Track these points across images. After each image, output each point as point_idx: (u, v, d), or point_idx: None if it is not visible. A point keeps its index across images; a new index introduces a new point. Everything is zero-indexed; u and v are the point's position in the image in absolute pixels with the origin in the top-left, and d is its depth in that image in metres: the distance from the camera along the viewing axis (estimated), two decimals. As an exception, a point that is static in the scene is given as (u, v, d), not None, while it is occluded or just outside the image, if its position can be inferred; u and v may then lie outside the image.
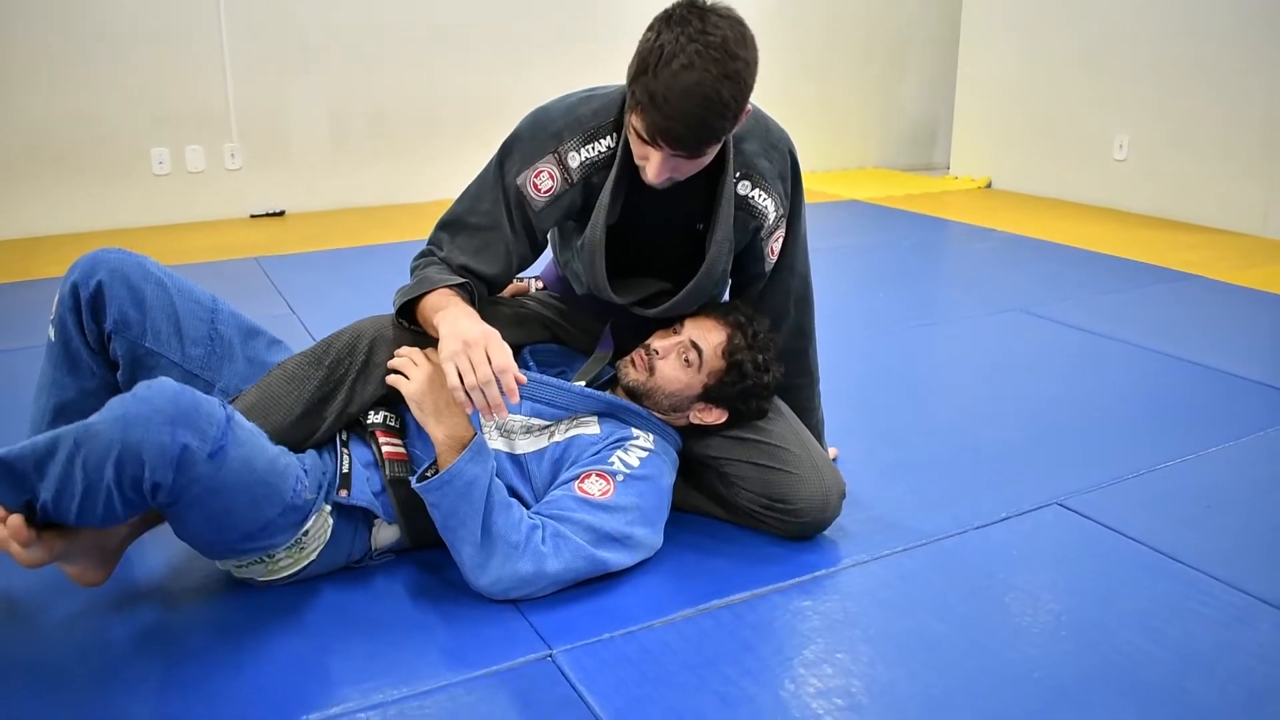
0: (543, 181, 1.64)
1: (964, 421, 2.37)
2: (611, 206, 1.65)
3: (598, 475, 1.62)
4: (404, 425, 1.70)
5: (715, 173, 1.65)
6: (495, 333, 1.50)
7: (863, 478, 1.99)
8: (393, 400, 1.72)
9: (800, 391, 1.91)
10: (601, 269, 1.69)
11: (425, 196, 5.24)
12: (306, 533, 1.54)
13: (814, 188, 5.72)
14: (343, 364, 1.67)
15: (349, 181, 5.15)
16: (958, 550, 1.76)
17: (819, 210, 5.21)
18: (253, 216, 4.98)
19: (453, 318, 1.53)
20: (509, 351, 1.49)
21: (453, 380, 1.46)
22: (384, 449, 1.64)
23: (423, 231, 4.71)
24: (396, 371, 1.62)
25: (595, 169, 1.64)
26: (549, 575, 1.54)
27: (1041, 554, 1.76)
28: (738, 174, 1.66)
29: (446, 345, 1.48)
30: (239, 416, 1.41)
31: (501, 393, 1.47)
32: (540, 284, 2.02)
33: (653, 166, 1.48)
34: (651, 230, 1.72)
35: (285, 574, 1.57)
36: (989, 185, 5.88)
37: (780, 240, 1.75)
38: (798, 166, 1.71)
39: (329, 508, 1.58)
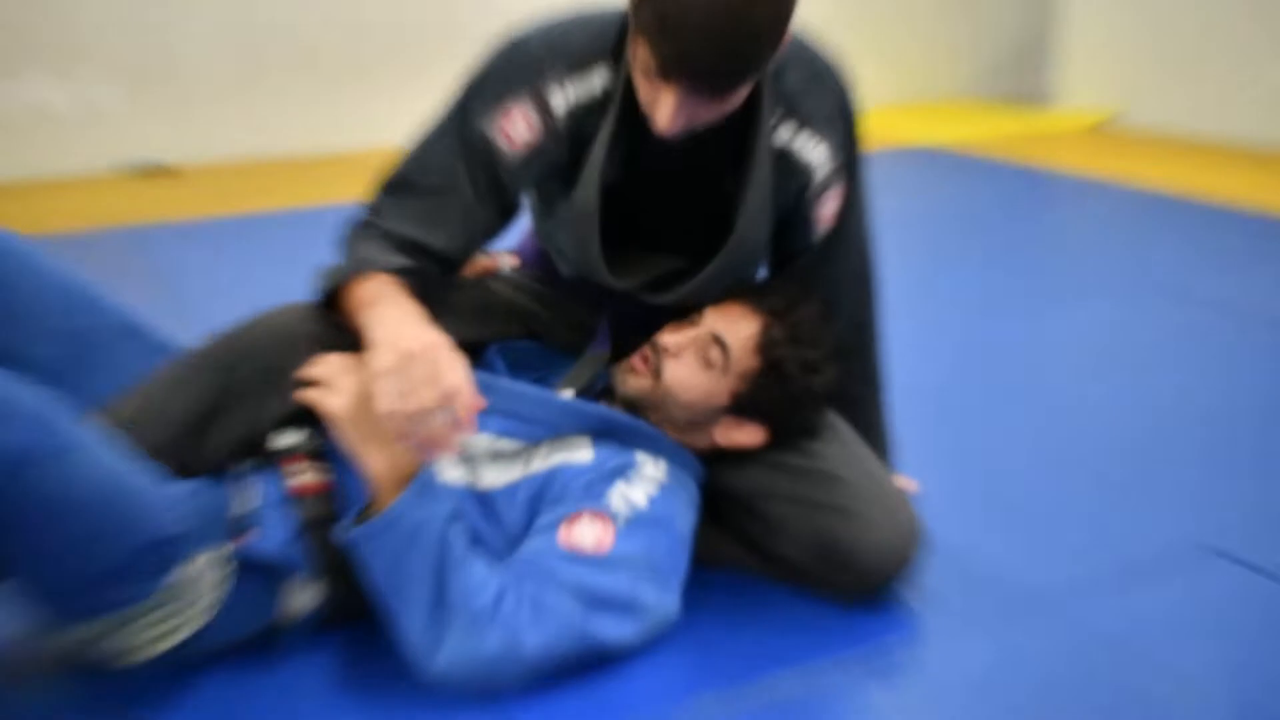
0: (516, 128, 1.65)
1: (1081, 440, 2.35)
2: (608, 162, 1.65)
3: (591, 517, 1.60)
4: (327, 450, 1.69)
5: (747, 115, 1.64)
6: (444, 342, 1.48)
7: (947, 517, 1.97)
8: (314, 417, 1.71)
9: (859, 405, 1.89)
10: (595, 244, 1.69)
11: (361, 143, 5.23)
12: (178, 586, 1.51)
13: (871, 128, 5.68)
14: (242, 368, 1.66)
15: (260, 126, 5.16)
16: (1079, 615, 1.74)
17: (876, 159, 5.17)
18: (133, 172, 4.97)
19: (389, 319, 1.51)
20: (463, 367, 1.47)
21: (385, 406, 1.44)
22: (295, 476, 1.63)
23: (360, 190, 4.68)
24: (317, 383, 1.59)
25: (587, 113, 1.64)
26: (525, 657, 1.51)
27: (1196, 620, 1.73)
28: (776, 115, 1.67)
29: (379, 358, 1.46)
30: (90, 424, 1.42)
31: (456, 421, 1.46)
32: (514, 261, 2.02)
33: (664, 111, 1.48)
34: (662, 192, 1.72)
35: (156, 649, 1.54)
36: (1111, 122, 5.88)
37: (834, 201, 1.75)
38: (856, 107, 1.72)
39: (221, 551, 1.57)
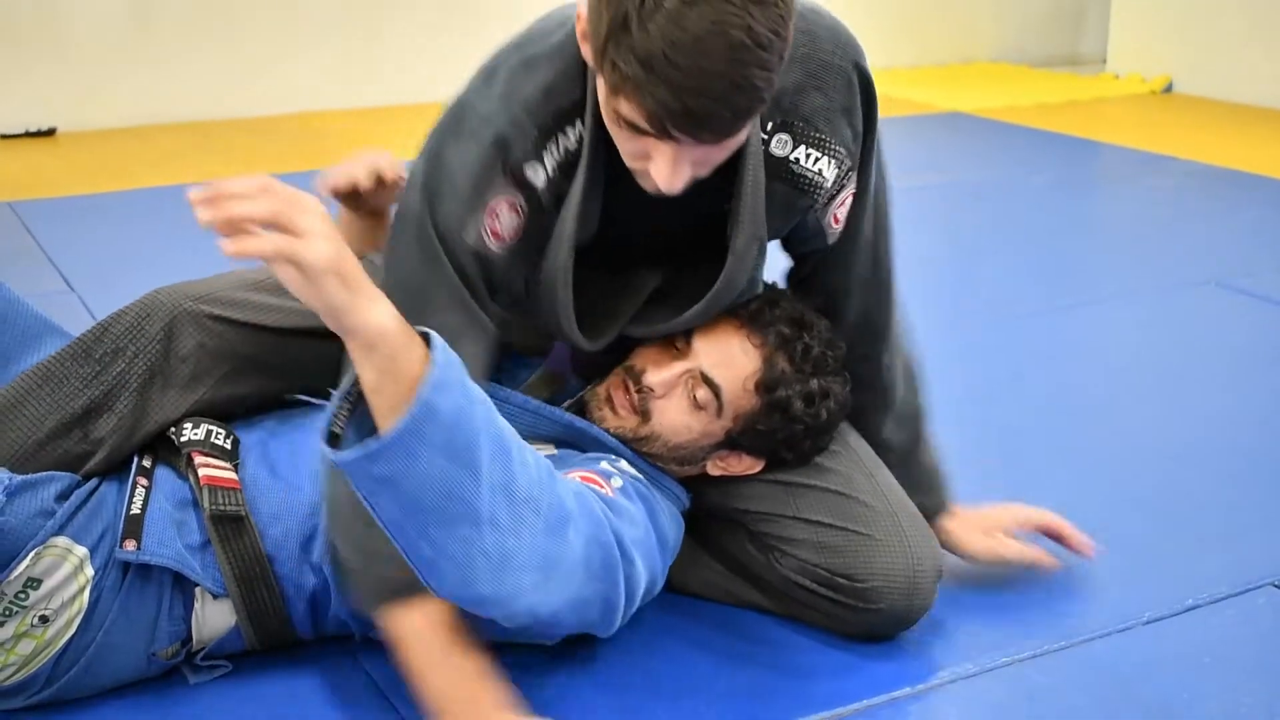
0: (503, 221, 1.59)
1: (1124, 456, 2.39)
2: (582, 224, 1.62)
3: (584, 475, 1.63)
4: (237, 445, 1.73)
5: None
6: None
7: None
8: (221, 410, 1.75)
9: (872, 420, 1.90)
10: (569, 314, 1.66)
11: (282, 105, 5.25)
12: (24, 595, 1.55)
13: (895, 93, 5.77)
14: (123, 356, 1.70)
15: (158, 84, 5.16)
16: (1117, 657, 1.77)
17: (901, 127, 5.24)
18: (6, 138, 4.98)
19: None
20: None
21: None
22: (201, 472, 1.66)
23: (281, 162, 4.78)
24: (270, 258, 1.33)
25: (563, 176, 1.59)
26: (570, 556, 1.46)
27: (1253, 661, 1.77)
28: (770, 126, 1.63)
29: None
30: None
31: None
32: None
33: (662, 169, 1.42)
34: (642, 234, 1.70)
35: (11, 669, 1.58)
36: (1168, 89, 5.95)
37: (844, 204, 1.72)
38: (870, 87, 1.66)
39: (81, 553, 1.59)
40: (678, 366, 1.75)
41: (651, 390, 1.75)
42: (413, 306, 1.46)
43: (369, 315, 1.32)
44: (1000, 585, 1.94)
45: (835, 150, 1.63)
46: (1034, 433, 2.51)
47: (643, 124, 1.38)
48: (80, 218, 3.94)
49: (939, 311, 3.13)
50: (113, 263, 3.46)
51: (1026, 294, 3.31)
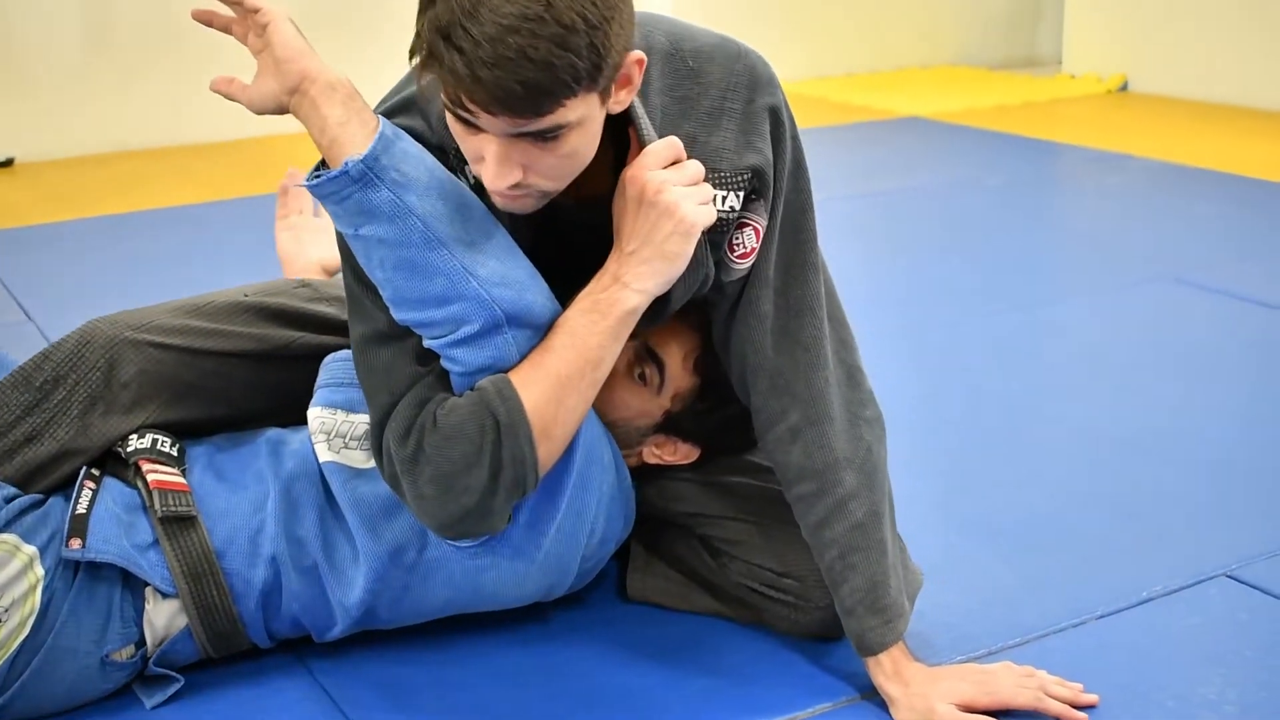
0: None
1: (1081, 453, 2.41)
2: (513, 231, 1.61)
3: None
4: (183, 453, 1.76)
5: (620, 154, 1.60)
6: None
7: (928, 542, 1.99)
8: (166, 423, 1.78)
9: (818, 514, 1.68)
10: None
11: (241, 129, 5.23)
12: None
13: (851, 99, 5.81)
14: (64, 384, 1.74)
15: (116, 111, 5.14)
16: (1076, 651, 1.78)
17: (857, 134, 5.27)
18: (-36, 169, 4.96)
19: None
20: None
21: None
22: (150, 477, 1.69)
23: (241, 186, 4.84)
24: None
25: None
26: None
27: (1207, 652, 1.78)
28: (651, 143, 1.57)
29: None
30: None
31: None
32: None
33: (488, 164, 1.41)
34: (580, 248, 1.65)
35: None
36: (1123, 88, 5.98)
37: (750, 236, 1.63)
38: (779, 120, 1.61)
39: (30, 550, 1.61)
40: None
41: None
42: (366, 318, 1.58)
43: (324, 65, 1.50)
44: (952, 585, 1.94)
45: (736, 180, 1.59)
46: (991, 430, 2.52)
47: (449, 102, 1.38)
48: (38, 247, 3.93)
49: (895, 313, 3.16)
50: (71, 292, 3.45)
51: (983, 295, 3.32)
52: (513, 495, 1.54)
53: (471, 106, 1.35)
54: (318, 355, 1.84)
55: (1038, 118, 5.43)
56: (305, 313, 1.90)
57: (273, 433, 1.82)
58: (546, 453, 1.54)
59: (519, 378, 1.52)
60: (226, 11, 1.55)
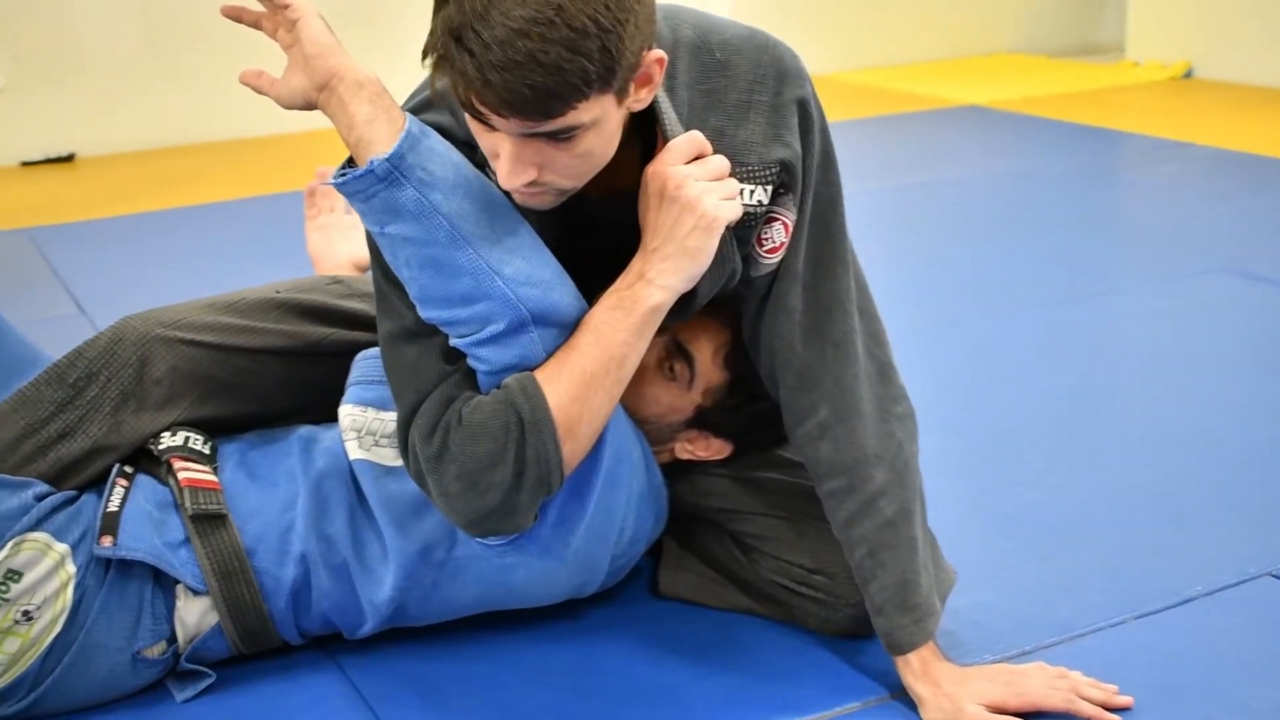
0: None
1: (1128, 449, 2.38)
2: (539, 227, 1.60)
3: None
4: (215, 450, 1.78)
5: (647, 147, 1.59)
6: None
7: (965, 539, 1.98)
8: (198, 420, 1.79)
9: (848, 511, 1.67)
10: None
11: (300, 123, 5.25)
12: (5, 588, 1.59)
13: (910, 88, 5.77)
14: (96, 380, 1.76)
15: (174, 106, 5.19)
16: (1112, 651, 1.75)
17: (914, 123, 5.23)
18: (25, 165, 5.03)
19: None
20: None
21: None
22: (181, 475, 1.71)
23: (298, 180, 4.78)
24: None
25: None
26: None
27: (1248, 655, 1.75)
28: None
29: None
30: None
31: None
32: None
33: (502, 162, 1.41)
34: (607, 245, 1.65)
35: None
36: (1187, 75, 5.89)
37: (779, 231, 1.63)
38: (808, 113, 1.60)
39: (62, 549, 1.63)
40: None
41: None
42: (395, 312, 1.58)
43: (353, 62, 1.49)
44: (987, 583, 1.92)
45: (764, 174, 1.58)
46: (1035, 425, 2.49)
47: (464, 101, 1.37)
48: (95, 241, 3.97)
49: (941, 306, 3.14)
50: (124, 285, 3.48)
51: (1033, 287, 3.28)
52: (537, 493, 1.53)
53: (482, 108, 1.35)
54: (350, 352, 1.85)
55: (1098, 106, 5.36)
56: (337, 309, 1.90)
57: (305, 430, 1.83)
58: (571, 451, 1.53)
59: (544, 375, 1.51)
60: (257, 7, 1.55)
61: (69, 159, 5.06)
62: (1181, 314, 3.08)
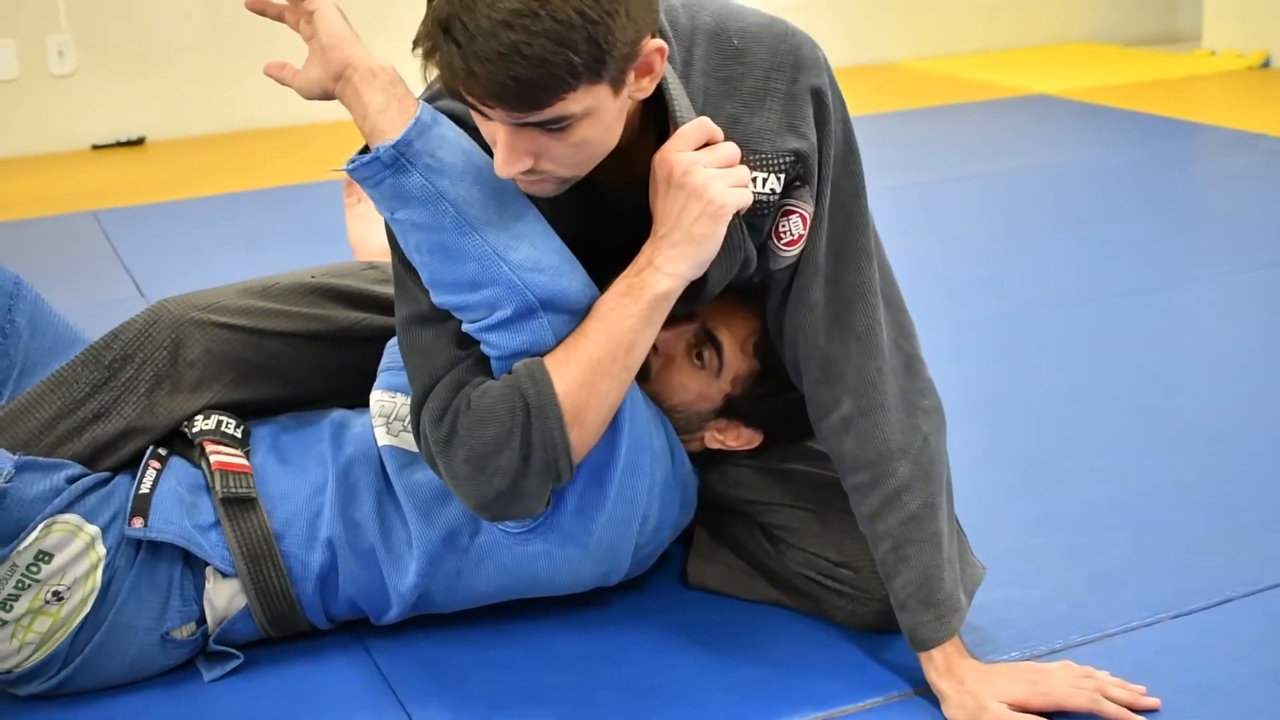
0: None
1: (1175, 446, 2.34)
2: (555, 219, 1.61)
3: None
4: (248, 435, 1.80)
5: (661, 131, 1.58)
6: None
7: (999, 535, 1.97)
8: (231, 403, 1.82)
9: (871, 505, 1.65)
10: None
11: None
12: (36, 568, 1.61)
13: (980, 76, 5.70)
14: (131, 362, 1.78)
15: (242, 91, 5.23)
16: (1144, 652, 1.73)
17: (981, 112, 5.18)
18: (96, 148, 5.09)
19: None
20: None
21: None
22: (213, 458, 1.73)
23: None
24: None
25: None
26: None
27: (1250, 662, 1.71)
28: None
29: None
30: None
31: None
32: None
33: (500, 149, 1.42)
34: (624, 236, 1.64)
35: (32, 646, 1.64)
36: (1265, 64, 5.78)
37: (797, 223, 1.62)
38: (823, 102, 1.58)
39: (92, 530, 1.65)
40: (680, 324, 1.75)
41: (653, 347, 1.70)
42: (412, 299, 1.59)
43: (367, 53, 1.50)
44: (1019, 580, 1.90)
45: (778, 162, 1.57)
46: (1082, 421, 2.46)
47: (449, 93, 1.39)
48: (159, 224, 4.03)
49: (994, 298, 3.12)
50: (185, 268, 3.52)
51: (1089, 279, 3.25)
52: (545, 478, 1.54)
53: (470, 99, 1.37)
54: (384, 337, 1.86)
55: (1170, 95, 5.27)
56: (371, 294, 1.91)
57: (338, 414, 1.85)
58: (579, 437, 1.53)
59: (552, 362, 1.52)
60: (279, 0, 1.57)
61: (139, 142, 5.13)
62: (1238, 308, 3.04)
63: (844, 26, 5.83)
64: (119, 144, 5.10)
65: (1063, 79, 5.67)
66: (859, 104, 5.58)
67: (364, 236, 2.42)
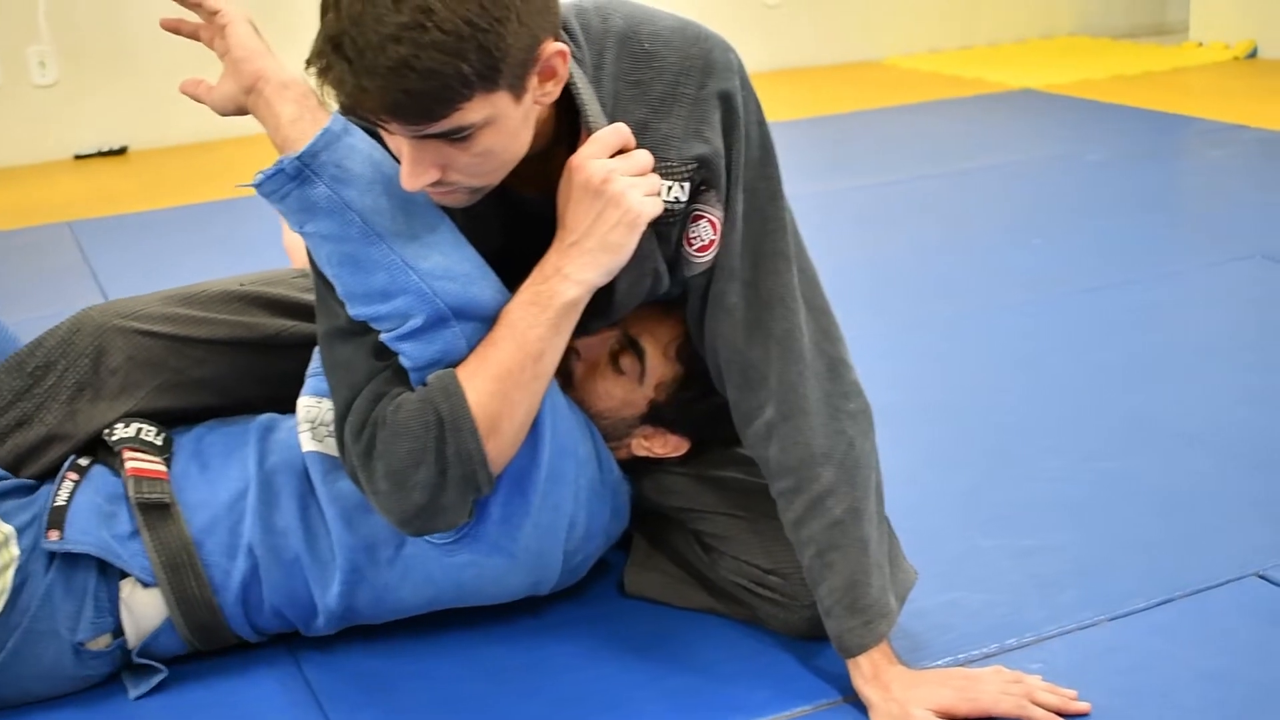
0: None
1: (1132, 444, 2.31)
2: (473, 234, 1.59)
3: None
4: (169, 442, 1.78)
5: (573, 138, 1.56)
6: None
7: (944, 537, 1.96)
8: (156, 411, 1.81)
9: (796, 511, 1.62)
10: None
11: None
12: None
13: (965, 72, 5.68)
14: (54, 370, 1.78)
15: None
16: (1080, 654, 1.70)
17: (963, 108, 5.15)
18: (78, 158, 5.09)
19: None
20: None
21: None
22: (129, 464, 1.72)
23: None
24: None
25: None
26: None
27: (1220, 659, 1.69)
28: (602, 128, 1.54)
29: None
30: None
31: None
32: None
33: (404, 163, 1.40)
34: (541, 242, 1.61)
35: None
36: (1252, 55, 5.75)
37: (706, 229, 1.60)
38: (732, 108, 1.55)
39: (7, 529, 1.64)
40: (604, 333, 1.73)
41: (575, 353, 1.73)
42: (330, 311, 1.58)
43: (280, 65, 1.51)
44: (962, 583, 1.87)
45: (682, 170, 1.55)
46: (1041, 420, 2.43)
47: (342, 110, 1.39)
48: (134, 234, 4.02)
49: (961, 297, 3.10)
50: (154, 276, 3.45)
51: (1058, 276, 3.22)
52: (465, 491, 1.51)
53: (367, 116, 1.35)
54: (310, 343, 1.83)
55: (1154, 88, 5.24)
56: (299, 302, 1.90)
57: (265, 419, 1.83)
58: (496, 448, 1.51)
59: (464, 373, 1.50)
60: (193, 17, 1.55)
61: (121, 152, 5.12)
62: (1206, 303, 3.02)
63: (827, 24, 5.83)
64: (101, 154, 5.10)
65: (1049, 73, 5.65)
66: (841, 103, 5.55)
67: (299, 242, 2.40)
